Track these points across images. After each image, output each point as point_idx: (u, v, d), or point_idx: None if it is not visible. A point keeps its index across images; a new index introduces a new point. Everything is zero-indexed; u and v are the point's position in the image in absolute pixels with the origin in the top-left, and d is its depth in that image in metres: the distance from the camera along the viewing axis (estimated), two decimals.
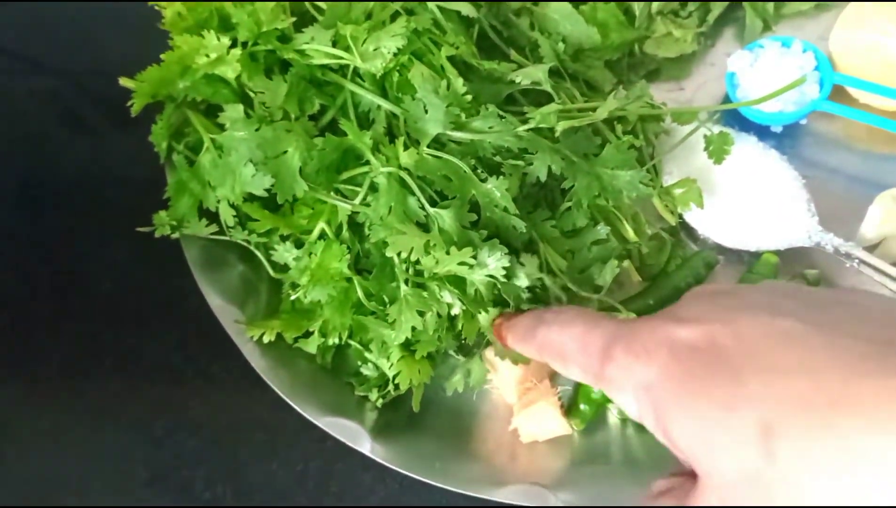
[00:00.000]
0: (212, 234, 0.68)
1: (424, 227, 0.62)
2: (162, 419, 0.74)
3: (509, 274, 0.62)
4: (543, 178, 0.62)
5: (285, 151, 0.61)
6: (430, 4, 0.70)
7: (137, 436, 0.74)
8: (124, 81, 0.68)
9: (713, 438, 0.42)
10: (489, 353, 0.67)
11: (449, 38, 0.69)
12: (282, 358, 0.69)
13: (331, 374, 0.70)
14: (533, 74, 0.66)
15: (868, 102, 0.74)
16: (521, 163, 0.63)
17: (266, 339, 0.67)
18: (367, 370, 0.68)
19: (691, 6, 0.80)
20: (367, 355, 0.67)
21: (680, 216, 0.73)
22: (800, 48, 0.74)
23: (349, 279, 0.65)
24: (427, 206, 0.61)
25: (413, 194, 0.61)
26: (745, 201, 0.71)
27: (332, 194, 0.64)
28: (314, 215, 0.66)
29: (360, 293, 0.64)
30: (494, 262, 0.60)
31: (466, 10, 0.69)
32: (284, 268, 0.69)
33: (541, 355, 0.55)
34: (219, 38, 0.66)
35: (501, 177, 0.61)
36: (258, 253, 0.70)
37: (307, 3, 0.70)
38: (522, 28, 0.76)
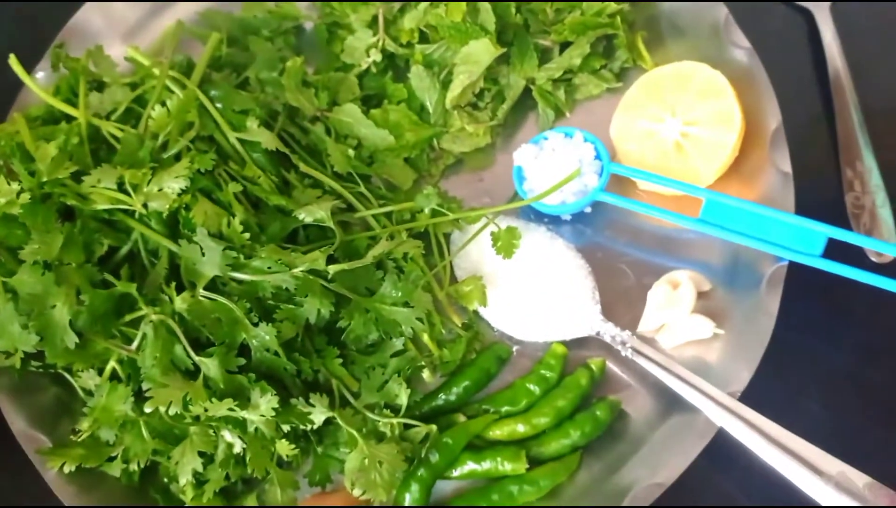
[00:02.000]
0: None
1: (193, 374, 0.64)
2: None
3: (295, 416, 0.65)
4: (313, 320, 0.66)
5: (53, 306, 0.62)
6: (231, 137, 0.72)
7: None
8: None
9: None
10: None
11: (247, 171, 0.71)
12: (89, 481, 0.70)
13: (141, 490, 0.71)
14: (315, 212, 0.68)
15: (647, 187, 0.77)
16: (293, 308, 0.66)
17: (66, 469, 0.68)
18: (175, 488, 0.70)
19: (486, 98, 0.82)
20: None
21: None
22: (581, 138, 0.76)
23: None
24: (192, 354, 0.63)
25: (181, 341, 0.64)
26: (533, 295, 0.74)
27: (110, 339, 0.66)
28: (108, 351, 0.67)
29: (145, 435, 0.65)
30: (265, 403, 0.63)
31: (267, 142, 0.71)
32: (92, 393, 0.70)
33: None
34: (9, 183, 0.67)
35: (271, 324, 0.64)
36: (68, 377, 0.72)
37: (105, 133, 0.72)
38: (319, 134, 0.78)
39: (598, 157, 0.76)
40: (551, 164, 0.76)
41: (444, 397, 0.73)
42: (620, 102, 0.79)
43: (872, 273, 0.66)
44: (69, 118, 0.75)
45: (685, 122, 0.74)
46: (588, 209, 0.78)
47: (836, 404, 0.73)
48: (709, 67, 0.75)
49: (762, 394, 0.67)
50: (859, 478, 0.61)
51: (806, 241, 0.69)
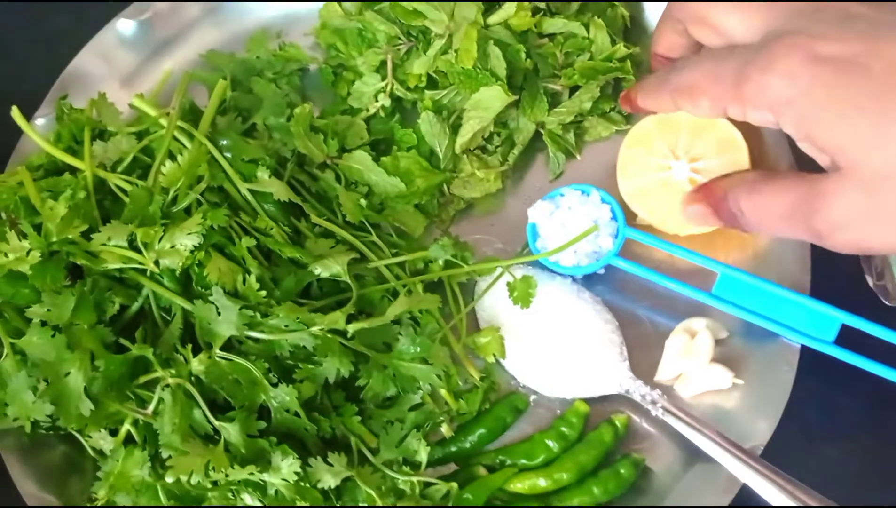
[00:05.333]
0: None
1: (212, 438, 0.63)
2: None
3: (313, 476, 0.64)
4: (332, 380, 0.65)
5: (67, 373, 0.61)
6: (242, 188, 0.71)
7: None
8: None
9: (865, 137, 0.51)
10: None
11: (259, 223, 0.70)
12: None
13: None
14: (331, 267, 0.68)
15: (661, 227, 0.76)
16: (312, 368, 0.65)
17: None
18: None
19: (496, 141, 0.81)
20: None
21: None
22: (598, 198, 0.75)
23: None
24: (212, 419, 0.62)
25: (200, 406, 0.63)
26: (559, 349, 0.73)
27: (125, 403, 0.64)
28: (121, 412, 0.65)
29: (162, 498, 0.64)
30: (287, 466, 0.62)
31: (279, 193, 0.70)
32: (102, 453, 0.68)
33: (674, 99, 0.62)
34: (20, 238, 0.65)
35: (291, 385, 0.64)
36: (77, 436, 0.70)
37: (114, 186, 0.70)
38: (329, 181, 0.77)
39: (614, 218, 0.75)
40: (567, 222, 0.75)
41: (458, 445, 0.72)
42: (618, 168, 0.76)
43: (883, 365, 0.67)
44: (73, 167, 0.73)
45: (691, 158, 0.73)
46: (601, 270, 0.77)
47: (855, 450, 0.73)
48: None
49: (781, 439, 0.68)
50: None
51: (820, 324, 0.69)
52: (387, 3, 0.81)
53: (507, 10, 0.77)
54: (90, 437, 0.68)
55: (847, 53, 0.52)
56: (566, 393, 0.73)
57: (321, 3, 0.87)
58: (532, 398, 0.74)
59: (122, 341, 0.65)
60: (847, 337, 0.69)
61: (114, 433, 0.67)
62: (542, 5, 0.80)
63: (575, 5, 0.81)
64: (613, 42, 0.80)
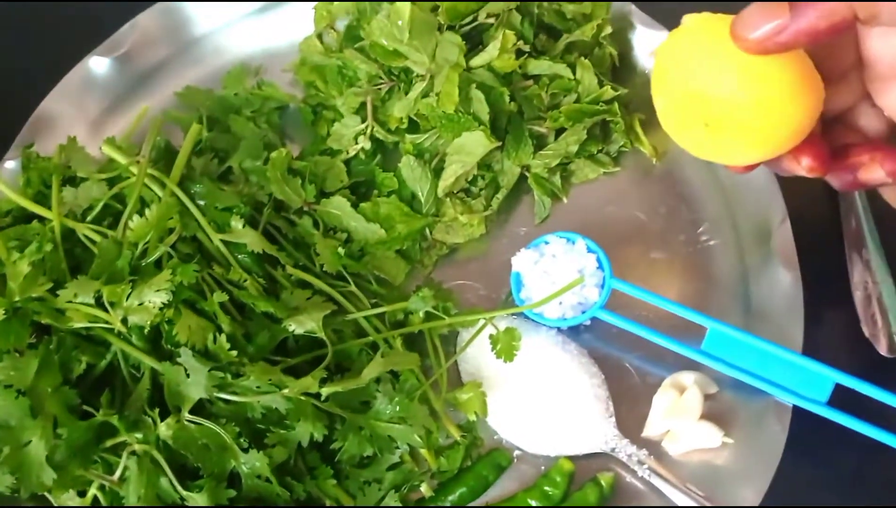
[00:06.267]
0: None
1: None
2: None
3: None
4: (305, 444, 0.63)
5: (29, 442, 0.58)
6: (215, 239, 0.69)
7: None
8: None
9: None
10: None
11: (233, 275, 0.67)
12: None
13: None
14: (305, 324, 0.65)
15: None
16: (284, 432, 0.63)
17: None
18: None
19: (480, 184, 0.79)
20: None
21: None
22: (584, 247, 0.73)
23: None
24: (180, 489, 0.60)
25: (167, 475, 0.60)
26: (543, 404, 0.71)
27: (91, 468, 0.62)
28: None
29: None
30: None
31: (253, 244, 0.68)
32: None
33: None
34: None
35: (262, 452, 0.61)
36: (46, 494, 0.67)
37: (83, 236, 0.68)
38: (307, 227, 0.75)
39: (600, 267, 0.73)
40: (551, 271, 0.72)
41: (438, 504, 0.69)
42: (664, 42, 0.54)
43: (879, 429, 0.65)
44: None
45: None
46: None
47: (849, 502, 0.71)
48: None
49: (775, 493, 0.65)
50: None
51: (813, 383, 0.67)
52: (367, 41, 0.78)
53: (491, 52, 0.75)
54: (58, 497, 0.65)
55: None
56: (550, 450, 0.70)
57: (301, 38, 0.84)
58: (515, 453, 0.72)
59: (87, 408, 0.62)
60: (841, 395, 0.66)
61: (82, 494, 0.65)
62: (527, 47, 0.77)
63: (561, 45, 0.79)
64: (601, 83, 0.78)
